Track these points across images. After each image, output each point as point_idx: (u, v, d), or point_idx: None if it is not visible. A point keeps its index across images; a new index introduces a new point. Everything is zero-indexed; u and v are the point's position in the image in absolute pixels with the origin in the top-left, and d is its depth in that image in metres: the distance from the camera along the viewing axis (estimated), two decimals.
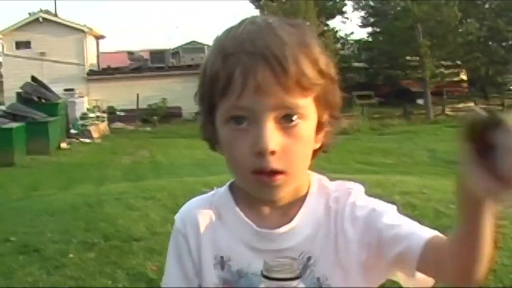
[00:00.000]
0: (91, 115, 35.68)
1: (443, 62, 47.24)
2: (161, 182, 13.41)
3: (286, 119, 1.38)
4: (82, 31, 43.39)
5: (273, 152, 1.37)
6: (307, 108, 1.40)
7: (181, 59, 44.65)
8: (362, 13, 54.17)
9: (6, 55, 43.48)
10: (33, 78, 30.72)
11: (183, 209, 1.68)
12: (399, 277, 1.47)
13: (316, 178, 1.57)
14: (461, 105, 46.40)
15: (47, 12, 46.26)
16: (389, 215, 1.48)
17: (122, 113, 40.47)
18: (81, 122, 33.89)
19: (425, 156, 25.37)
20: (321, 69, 1.41)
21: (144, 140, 32.61)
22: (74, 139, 31.01)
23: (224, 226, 1.56)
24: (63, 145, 28.62)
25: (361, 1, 54.29)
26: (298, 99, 1.38)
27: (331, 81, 1.45)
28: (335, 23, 57.72)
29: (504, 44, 50.96)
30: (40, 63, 41.43)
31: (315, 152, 1.50)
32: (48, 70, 40.51)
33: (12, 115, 25.62)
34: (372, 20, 53.40)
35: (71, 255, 7.13)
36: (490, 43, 50.74)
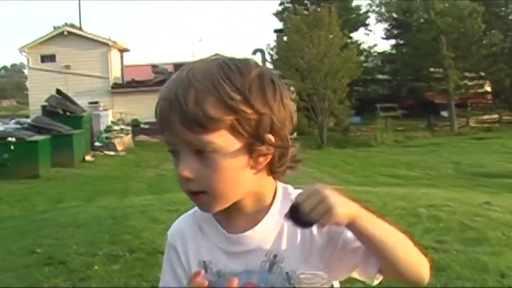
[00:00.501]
0: (116, 128, 35.81)
1: (467, 74, 47.09)
2: (185, 195, 13.43)
3: (198, 152, 1.61)
4: (107, 44, 43.67)
5: (188, 178, 1.63)
6: (215, 142, 1.59)
7: None
8: (386, 25, 54.29)
9: (32, 68, 43.84)
10: (58, 91, 30.93)
11: (173, 225, 1.97)
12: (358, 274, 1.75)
13: (281, 187, 1.79)
14: (485, 117, 46.24)
15: (72, 25, 46.74)
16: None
17: (146, 126, 40.56)
18: (105, 134, 34.04)
19: (450, 169, 25.24)
20: (231, 106, 1.58)
21: (168, 153, 32.63)
22: (98, 152, 31.16)
23: (204, 235, 1.81)
24: (88, 157, 28.76)
25: (385, 13, 54.27)
26: (202, 136, 1.59)
27: (256, 113, 1.62)
28: (358, 35, 57.79)
29: None
30: (65, 76, 41.72)
31: (275, 171, 1.73)
32: (72, 83, 40.80)
33: (37, 128, 25.80)
34: (395, 32, 53.43)
35: (96, 267, 7.14)
36: None
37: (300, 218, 1.53)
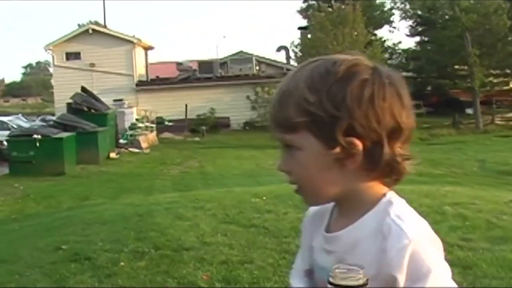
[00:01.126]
0: (140, 125, 35.92)
1: (492, 71, 46.77)
2: (211, 192, 13.45)
3: (288, 148, 1.68)
4: (131, 42, 43.81)
5: (282, 170, 1.71)
6: (296, 141, 1.65)
7: (229, 69, 44.78)
8: (410, 22, 54.05)
9: (57, 66, 44.08)
10: (83, 89, 31.08)
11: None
12: None
13: (387, 199, 1.68)
14: (511, 114, 45.90)
15: (96, 23, 46.92)
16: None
17: (170, 123, 40.70)
18: (130, 132, 34.17)
19: (475, 167, 25.10)
20: (303, 108, 1.62)
21: (193, 150, 32.76)
22: (123, 149, 31.27)
23: (320, 222, 1.82)
24: (112, 154, 28.88)
25: (409, 10, 54.02)
26: (286, 135, 1.66)
27: (327, 115, 1.61)
28: (382, 32, 57.56)
29: None
30: (90, 74, 41.92)
31: (381, 176, 1.68)
32: (97, 80, 41.02)
33: (62, 125, 25.94)
34: (420, 29, 53.22)
35: (122, 264, 7.17)
36: None
37: None
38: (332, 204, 1.77)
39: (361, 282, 1.31)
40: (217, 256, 7.19)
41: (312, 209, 1.87)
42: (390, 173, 1.67)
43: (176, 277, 6.61)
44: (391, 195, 1.68)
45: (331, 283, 1.31)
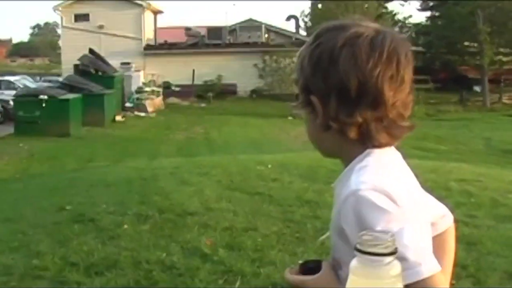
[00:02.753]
0: (147, 89, 35.87)
1: (502, 50, 46.51)
2: (216, 159, 13.46)
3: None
4: (141, 5, 43.53)
5: None
6: (312, 104, 1.70)
7: (238, 37, 44.54)
8: None
9: (65, 27, 43.90)
10: (91, 51, 31.03)
11: None
12: None
13: (362, 155, 1.69)
14: None
15: None
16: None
17: (177, 89, 40.60)
18: (136, 95, 34.14)
19: (481, 144, 25.07)
20: (300, 73, 1.74)
21: (199, 116, 32.72)
22: (129, 113, 31.30)
23: None
24: (118, 118, 28.92)
25: None
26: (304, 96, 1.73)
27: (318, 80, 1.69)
28: (393, 5, 57.35)
29: None
30: (98, 36, 41.72)
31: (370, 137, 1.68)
32: (105, 43, 40.79)
33: (69, 87, 25.94)
34: (431, 4, 52.76)
35: (125, 226, 7.16)
36: None
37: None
38: None
39: (389, 250, 1.27)
40: (221, 222, 7.18)
41: None
42: (361, 137, 1.67)
43: (179, 241, 6.60)
44: (370, 151, 1.68)
45: (358, 250, 1.27)
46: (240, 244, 6.46)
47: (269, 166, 10.99)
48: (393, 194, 1.54)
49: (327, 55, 1.65)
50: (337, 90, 1.63)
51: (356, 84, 1.61)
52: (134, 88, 34.84)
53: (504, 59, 46.68)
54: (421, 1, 53.54)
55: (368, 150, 1.68)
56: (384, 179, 1.58)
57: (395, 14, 52.04)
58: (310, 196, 8.48)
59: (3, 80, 38.15)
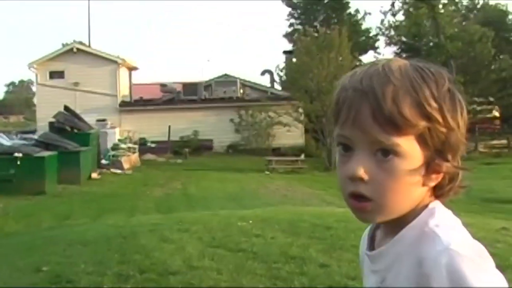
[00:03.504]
0: (123, 146, 35.68)
1: (476, 99, 46.98)
2: (196, 215, 13.26)
3: (382, 153, 1.47)
4: (115, 62, 43.59)
5: (361, 179, 1.47)
6: (402, 146, 1.46)
7: (214, 92, 44.70)
8: (395, 48, 54.28)
9: (40, 84, 43.79)
10: (66, 108, 30.84)
11: None
12: None
13: (428, 210, 1.55)
14: (494, 142, 46.06)
15: (80, 43, 46.64)
16: None
17: (153, 145, 40.50)
18: (112, 152, 33.93)
19: (461, 194, 25.04)
20: (427, 112, 1.46)
21: (176, 172, 32.52)
22: (105, 170, 31.02)
23: (365, 242, 1.70)
24: (94, 175, 28.63)
25: (394, 37, 54.33)
26: (392, 136, 1.45)
27: (446, 127, 1.49)
28: (368, 58, 57.82)
29: None
30: (73, 93, 41.67)
31: (438, 194, 1.56)
32: (81, 100, 40.71)
33: (44, 144, 25.70)
34: (404, 55, 53.25)
35: (105, 287, 6.93)
36: None
37: None
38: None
39: None
40: (205, 281, 6.97)
41: (364, 234, 1.74)
42: (450, 191, 1.57)
43: None
44: (435, 205, 1.55)
45: None
46: None
47: (250, 221, 10.81)
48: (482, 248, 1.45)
49: None
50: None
51: None
52: (109, 145, 34.64)
53: (478, 108, 47.13)
54: (394, 53, 54.10)
55: (433, 203, 1.55)
56: (466, 235, 1.49)
57: None
58: (295, 252, 8.31)
59: None
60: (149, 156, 38.55)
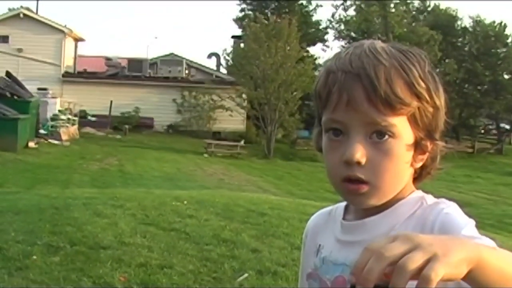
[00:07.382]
0: (62, 117, 35.23)
1: None
2: (131, 192, 13.20)
3: (377, 135, 1.48)
4: (62, 31, 42.95)
5: (359, 163, 1.47)
6: (397, 127, 1.48)
7: (159, 70, 44.36)
8: (343, 43, 54.53)
9: None
10: (8, 74, 30.35)
11: (308, 222, 1.84)
12: None
13: (419, 194, 1.60)
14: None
15: (28, 9, 45.85)
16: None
17: (93, 118, 40.12)
18: (51, 123, 33.47)
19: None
20: (417, 92, 1.49)
21: (114, 147, 32.29)
22: (42, 140, 30.61)
23: (330, 222, 1.71)
24: (31, 144, 28.23)
25: (343, 31, 54.64)
26: (387, 117, 1.46)
27: (432, 106, 1.53)
28: (315, 50, 58.08)
29: (479, 87, 51.56)
30: (16, 59, 40.98)
31: (420, 174, 1.61)
32: (23, 67, 40.05)
33: None
34: None
35: (35, 257, 6.87)
36: (466, 85, 51.22)
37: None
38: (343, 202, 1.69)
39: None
40: (135, 258, 6.96)
41: (312, 220, 1.81)
42: (428, 173, 1.62)
43: (91, 276, 6.34)
44: (420, 191, 1.61)
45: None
46: (155, 282, 6.25)
47: (185, 202, 10.81)
48: None
49: None
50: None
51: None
52: (49, 115, 34.16)
53: None
54: (342, 47, 54.34)
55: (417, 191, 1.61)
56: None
57: (316, 59, 52.60)
58: (227, 235, 8.35)
59: None
60: (88, 130, 38.19)
